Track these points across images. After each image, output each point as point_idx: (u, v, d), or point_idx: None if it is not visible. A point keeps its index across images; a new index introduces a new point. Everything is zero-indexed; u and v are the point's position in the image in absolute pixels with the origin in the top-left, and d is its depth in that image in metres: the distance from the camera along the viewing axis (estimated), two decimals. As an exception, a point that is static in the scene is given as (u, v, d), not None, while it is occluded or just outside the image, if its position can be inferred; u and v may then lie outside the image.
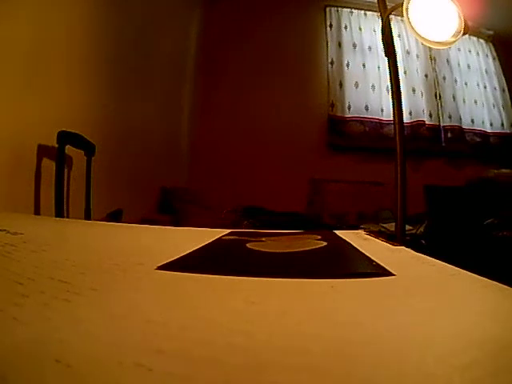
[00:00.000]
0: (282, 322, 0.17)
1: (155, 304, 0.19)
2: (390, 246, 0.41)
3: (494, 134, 2.27)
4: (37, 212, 0.96)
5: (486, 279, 0.24)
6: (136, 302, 0.19)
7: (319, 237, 0.44)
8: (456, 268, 0.28)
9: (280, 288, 0.23)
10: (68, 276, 0.23)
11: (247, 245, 0.38)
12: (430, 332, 0.16)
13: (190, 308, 0.19)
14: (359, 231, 0.57)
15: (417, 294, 0.23)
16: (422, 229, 1.33)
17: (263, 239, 0.42)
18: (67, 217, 1.00)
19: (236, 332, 0.15)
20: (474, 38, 2.33)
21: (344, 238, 0.46)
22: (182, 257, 0.30)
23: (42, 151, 1.00)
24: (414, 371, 0.12)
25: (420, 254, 0.35)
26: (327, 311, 0.19)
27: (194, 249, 0.35)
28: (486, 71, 2.32)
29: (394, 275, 0.25)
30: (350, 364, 0.13)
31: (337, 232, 0.52)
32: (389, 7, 0.89)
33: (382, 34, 0.89)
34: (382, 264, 0.28)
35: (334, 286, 0.23)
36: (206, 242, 0.39)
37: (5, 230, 0.39)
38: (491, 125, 2.27)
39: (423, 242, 1.23)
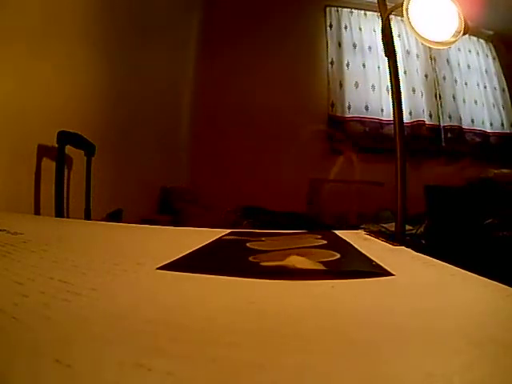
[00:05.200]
0: (281, 322, 0.17)
1: (155, 304, 0.19)
2: (390, 246, 0.41)
3: (494, 134, 2.26)
4: (37, 212, 0.96)
5: (485, 279, 0.24)
6: (136, 302, 0.19)
7: (319, 236, 0.44)
8: (456, 268, 0.28)
9: (280, 288, 0.23)
10: (68, 276, 0.23)
11: (247, 245, 0.38)
12: (430, 332, 0.16)
13: (190, 308, 0.19)
14: (359, 231, 0.57)
15: (417, 293, 0.23)
16: (422, 229, 1.33)
17: (263, 239, 0.42)
18: (67, 217, 1.00)
19: (236, 332, 0.15)
20: (474, 38, 2.32)
21: (344, 237, 0.46)
22: (181, 257, 0.30)
23: (42, 151, 1.00)
24: (414, 371, 0.12)
25: (420, 254, 0.35)
26: (327, 311, 0.19)
27: (194, 249, 0.35)
28: (486, 71, 2.32)
29: (393, 275, 0.25)
30: (350, 363, 0.13)
31: (337, 232, 0.52)
32: (389, 7, 0.89)
33: (382, 34, 0.89)
34: (381, 264, 0.28)
35: (334, 286, 0.23)
36: (206, 242, 0.39)
37: (5, 230, 0.39)
38: (491, 125, 2.27)
39: (423, 241, 1.23)
